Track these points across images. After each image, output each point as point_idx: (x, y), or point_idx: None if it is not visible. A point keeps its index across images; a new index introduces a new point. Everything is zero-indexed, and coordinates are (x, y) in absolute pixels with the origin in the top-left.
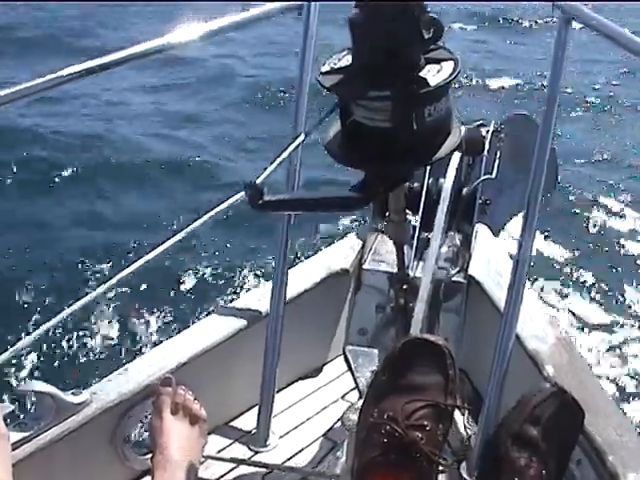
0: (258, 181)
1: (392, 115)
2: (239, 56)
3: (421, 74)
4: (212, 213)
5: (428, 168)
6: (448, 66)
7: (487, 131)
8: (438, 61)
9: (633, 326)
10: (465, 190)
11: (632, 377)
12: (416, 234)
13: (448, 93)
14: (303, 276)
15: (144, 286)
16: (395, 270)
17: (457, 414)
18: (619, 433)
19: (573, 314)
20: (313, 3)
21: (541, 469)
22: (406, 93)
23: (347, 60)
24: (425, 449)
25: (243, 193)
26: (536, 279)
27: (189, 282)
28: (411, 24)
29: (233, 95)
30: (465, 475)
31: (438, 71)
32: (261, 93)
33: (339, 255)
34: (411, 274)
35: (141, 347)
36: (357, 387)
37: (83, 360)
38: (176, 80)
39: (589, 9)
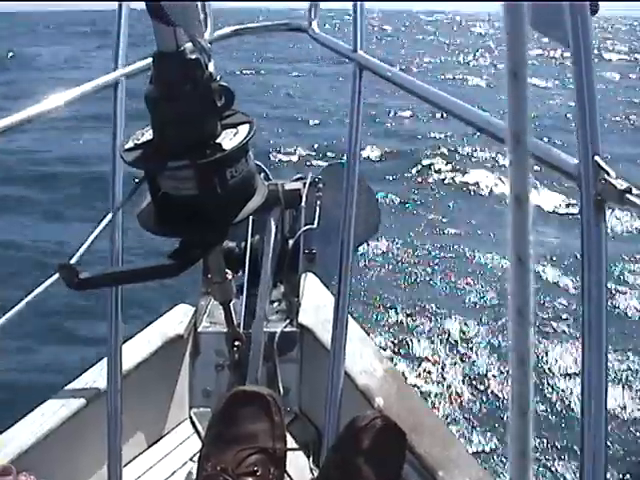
0: (72, 260)
1: (195, 183)
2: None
3: (218, 140)
4: (29, 299)
5: (250, 226)
6: (244, 129)
7: (304, 184)
8: (234, 125)
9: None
10: (290, 242)
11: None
12: (244, 292)
13: (248, 154)
14: (138, 347)
15: None
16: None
17: (303, 457)
18: (446, 449)
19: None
20: (122, 79)
21: None
22: (205, 160)
23: (149, 135)
24: None
25: (57, 275)
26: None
27: (18, 369)
28: (203, 95)
29: None
30: None
31: (235, 134)
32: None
33: (173, 322)
34: (244, 331)
35: None
36: None
37: None
38: None
39: (378, 60)
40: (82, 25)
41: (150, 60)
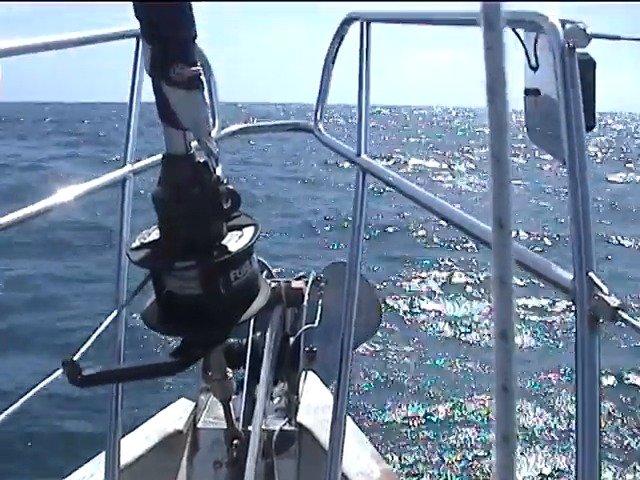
0: (76, 357)
1: (200, 283)
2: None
3: (223, 242)
4: (32, 393)
5: (252, 324)
6: (249, 231)
7: (306, 282)
8: (240, 227)
9: None
10: (291, 340)
11: None
12: (244, 388)
13: (252, 256)
14: (137, 442)
15: None
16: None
17: None
18: None
19: None
20: (130, 176)
21: None
22: (210, 261)
23: (156, 234)
24: None
25: (61, 370)
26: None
27: (17, 459)
28: (210, 198)
29: None
30: None
31: (240, 237)
32: None
33: (172, 417)
34: (243, 427)
35: None
36: None
37: None
38: None
39: (382, 164)
40: (43, 120)
41: (157, 157)
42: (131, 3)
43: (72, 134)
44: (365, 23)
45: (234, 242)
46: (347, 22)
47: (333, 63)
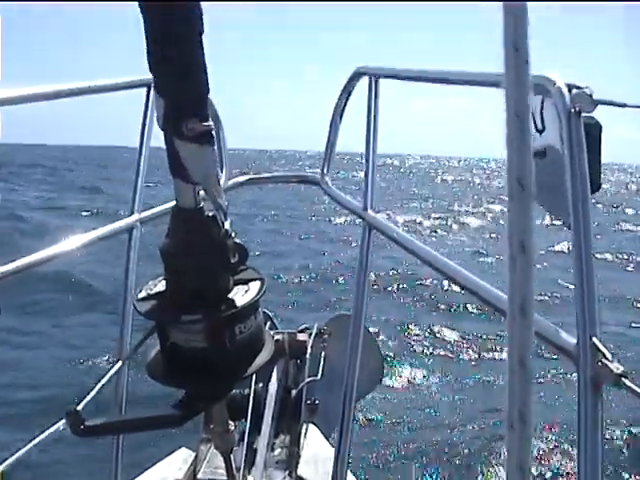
0: (79, 407)
1: (205, 336)
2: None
3: (230, 295)
4: (34, 443)
5: (254, 375)
6: (255, 286)
7: (310, 334)
8: (246, 282)
9: None
10: (293, 392)
11: None
12: (245, 440)
13: (257, 310)
14: None
15: None
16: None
17: None
18: None
19: None
20: (137, 225)
21: None
22: (216, 315)
23: (162, 286)
24: None
25: (64, 421)
26: None
27: None
28: (218, 253)
29: None
30: None
31: (246, 291)
32: None
33: (172, 467)
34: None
35: None
36: None
37: None
38: None
39: (388, 220)
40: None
41: (165, 207)
42: (145, 56)
43: (58, 183)
44: (374, 78)
45: (240, 296)
46: (355, 77)
47: (341, 117)
